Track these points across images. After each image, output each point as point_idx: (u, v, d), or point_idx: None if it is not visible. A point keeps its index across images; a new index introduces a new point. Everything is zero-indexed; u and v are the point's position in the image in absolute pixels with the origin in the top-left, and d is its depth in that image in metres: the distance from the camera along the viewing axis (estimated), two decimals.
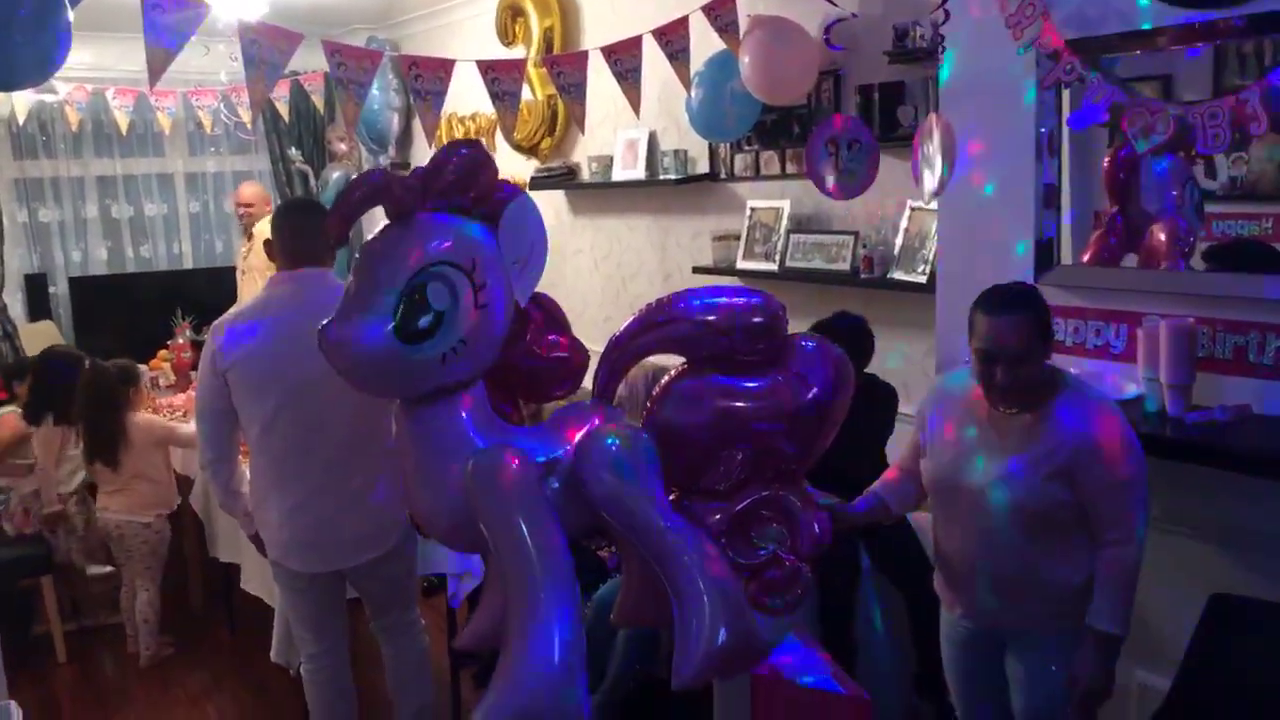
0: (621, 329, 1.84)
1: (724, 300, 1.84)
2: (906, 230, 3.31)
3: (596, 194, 4.80)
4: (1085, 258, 2.59)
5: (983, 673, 2.29)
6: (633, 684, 3.12)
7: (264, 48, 2.74)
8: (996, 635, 2.23)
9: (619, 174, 4.49)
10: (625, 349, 1.83)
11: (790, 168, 3.78)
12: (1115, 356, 2.47)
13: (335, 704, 2.81)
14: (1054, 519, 2.05)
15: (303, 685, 2.89)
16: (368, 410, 2.48)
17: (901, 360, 3.30)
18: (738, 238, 3.90)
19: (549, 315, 1.80)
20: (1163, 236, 2.51)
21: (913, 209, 3.30)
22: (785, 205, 3.75)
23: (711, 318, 1.81)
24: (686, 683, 1.76)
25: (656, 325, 1.82)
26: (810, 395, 1.88)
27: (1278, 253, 2.31)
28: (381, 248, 1.64)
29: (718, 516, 1.94)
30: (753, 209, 3.88)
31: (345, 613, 2.85)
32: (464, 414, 1.69)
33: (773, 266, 3.73)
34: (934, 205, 3.10)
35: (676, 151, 4.17)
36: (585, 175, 4.77)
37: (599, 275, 4.86)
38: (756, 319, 1.82)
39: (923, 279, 3.19)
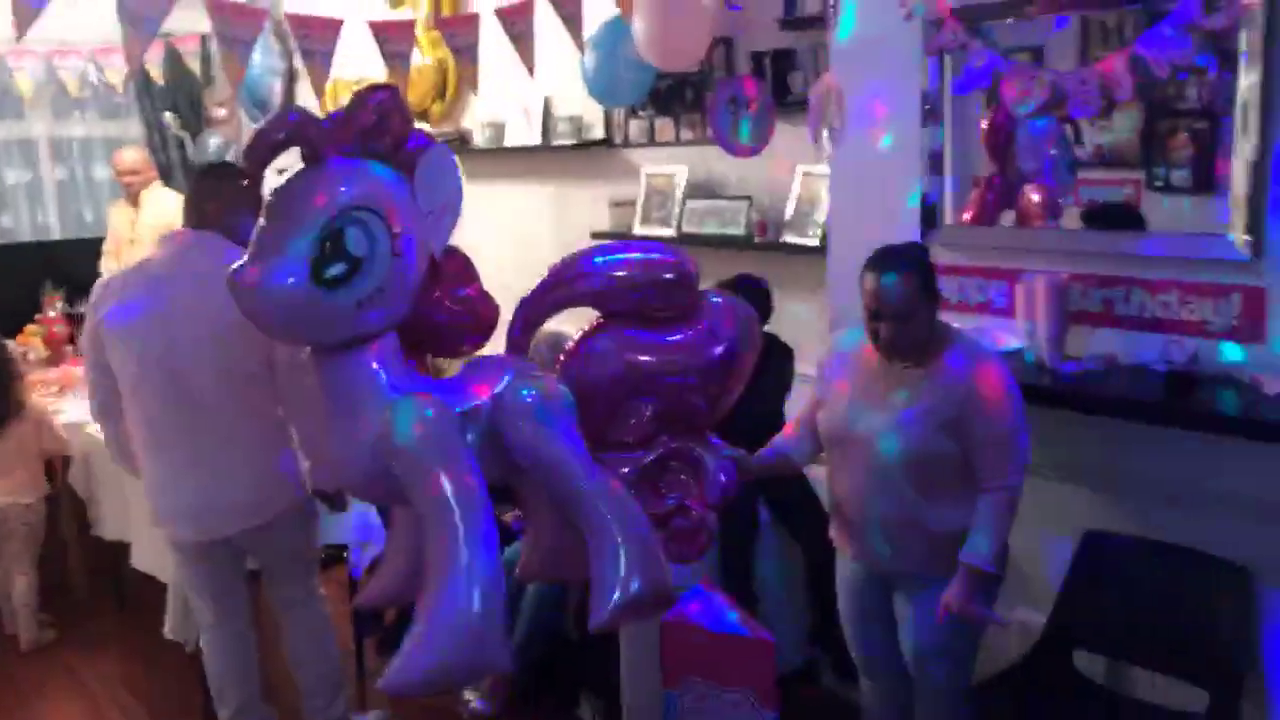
0: (535, 284, 1.85)
1: (636, 256, 1.87)
2: (798, 195, 3.40)
3: (490, 160, 4.75)
4: (966, 217, 2.72)
5: (875, 615, 2.40)
6: (541, 646, 3.15)
7: (141, 2, 2.63)
8: (887, 578, 2.34)
9: (512, 139, 4.46)
10: (539, 304, 1.85)
11: (685, 134, 3.83)
12: (996, 311, 2.61)
13: (236, 677, 2.75)
14: (940, 467, 2.15)
15: (201, 660, 2.83)
16: (242, 376, 2.45)
17: (796, 321, 3.40)
18: (634, 204, 3.93)
19: (460, 268, 1.80)
20: (1036, 197, 2.66)
21: (804, 174, 3.39)
22: (681, 171, 3.80)
23: (623, 273, 1.84)
24: (602, 627, 1.80)
25: (568, 281, 1.84)
26: (719, 350, 1.93)
27: (1141, 215, 2.47)
28: (297, 190, 1.60)
29: (626, 469, 1.98)
30: (649, 175, 3.91)
31: (244, 584, 2.80)
32: (377, 363, 1.67)
33: (670, 232, 3.78)
34: (824, 170, 3.20)
35: (571, 117, 4.17)
36: (478, 141, 4.71)
37: (496, 243, 4.81)
38: (667, 275, 1.85)
39: (815, 241, 3.29)
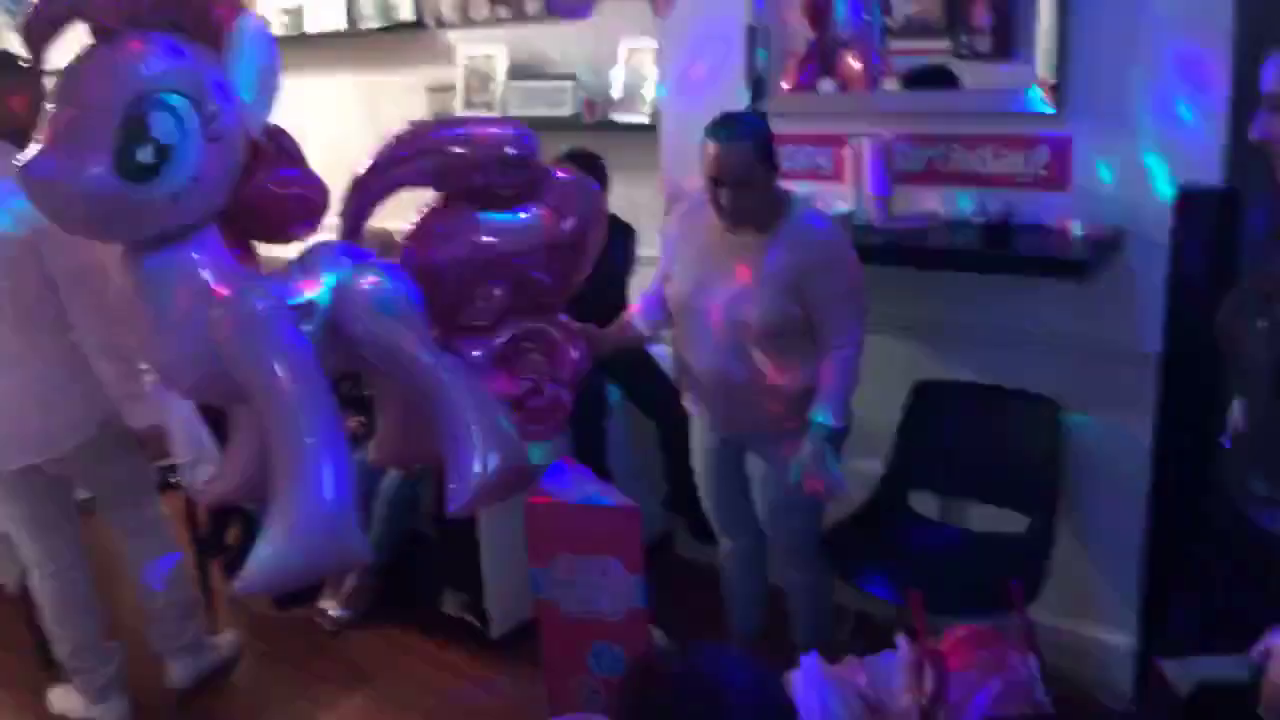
0: (369, 162, 1.75)
1: (475, 131, 1.79)
2: (625, 72, 3.34)
3: (290, 50, 4.38)
4: (786, 86, 2.76)
5: (730, 477, 2.49)
6: (397, 548, 3.12)
7: None
8: (738, 440, 2.42)
9: (313, 25, 4.16)
10: (373, 185, 1.75)
11: (501, 12, 3.67)
12: (825, 177, 2.67)
13: (71, 612, 2.59)
14: (786, 331, 2.22)
15: (29, 601, 2.65)
16: (27, 293, 2.24)
17: (632, 203, 3.38)
18: (453, 89, 3.77)
19: (283, 150, 1.68)
20: (856, 64, 2.72)
21: (630, 50, 3.33)
22: (501, 52, 3.66)
23: (461, 150, 1.76)
24: (461, 510, 1.79)
25: (403, 161, 1.75)
26: (567, 227, 1.90)
27: (956, 76, 2.57)
28: (89, 70, 1.44)
29: (479, 352, 1.95)
30: (467, 58, 3.75)
31: (72, 517, 2.61)
32: (199, 259, 1.56)
33: (495, 115, 3.65)
34: (650, 44, 3.16)
35: None
36: (275, 29, 4.36)
37: (304, 142, 4.54)
38: (510, 150, 1.79)
39: (645, 119, 3.26)
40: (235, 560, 3.42)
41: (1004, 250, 2.29)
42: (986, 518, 2.55)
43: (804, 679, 2.27)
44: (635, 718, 1.35)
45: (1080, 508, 2.49)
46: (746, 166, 2.12)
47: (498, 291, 1.90)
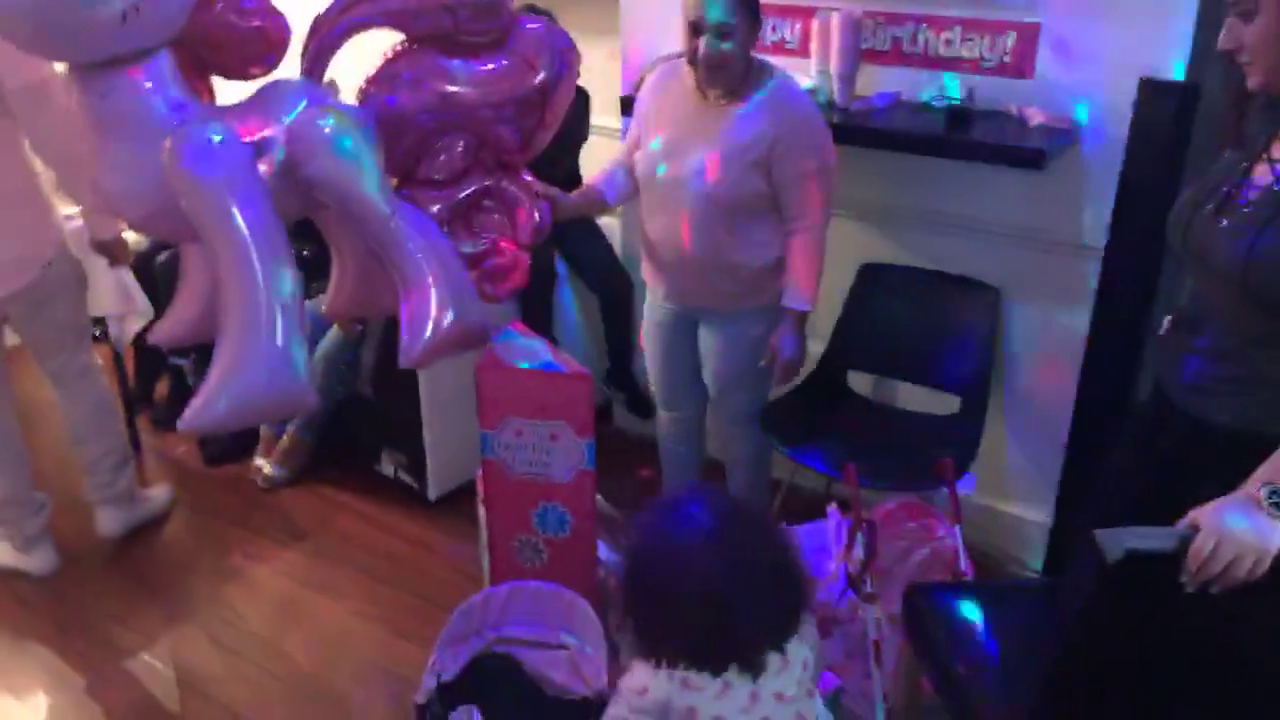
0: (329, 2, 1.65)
1: None
2: None
3: None
4: None
5: (681, 350, 2.50)
6: (335, 405, 3.09)
7: None
8: (693, 314, 2.43)
9: None
10: (333, 24, 1.66)
11: None
12: (790, 51, 2.62)
13: (2, 459, 2.52)
14: (749, 206, 2.20)
15: None
16: None
17: (585, 67, 3.28)
18: None
19: None
20: None
21: None
22: None
23: None
24: (415, 362, 1.78)
25: None
26: (536, 80, 1.83)
27: None
28: None
29: (438, 206, 1.90)
30: None
31: (2, 364, 2.52)
32: (151, 85, 1.47)
33: None
34: None
35: None
36: None
37: None
38: None
39: None
40: (164, 414, 3.35)
41: (964, 136, 2.29)
42: (916, 400, 2.64)
43: None
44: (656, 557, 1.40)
45: (1011, 393, 2.59)
46: (728, 9, 2.06)
47: (460, 144, 1.84)
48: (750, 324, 2.34)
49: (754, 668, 1.39)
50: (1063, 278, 2.42)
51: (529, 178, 2.02)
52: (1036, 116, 2.26)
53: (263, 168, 1.57)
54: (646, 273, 2.46)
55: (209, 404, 1.53)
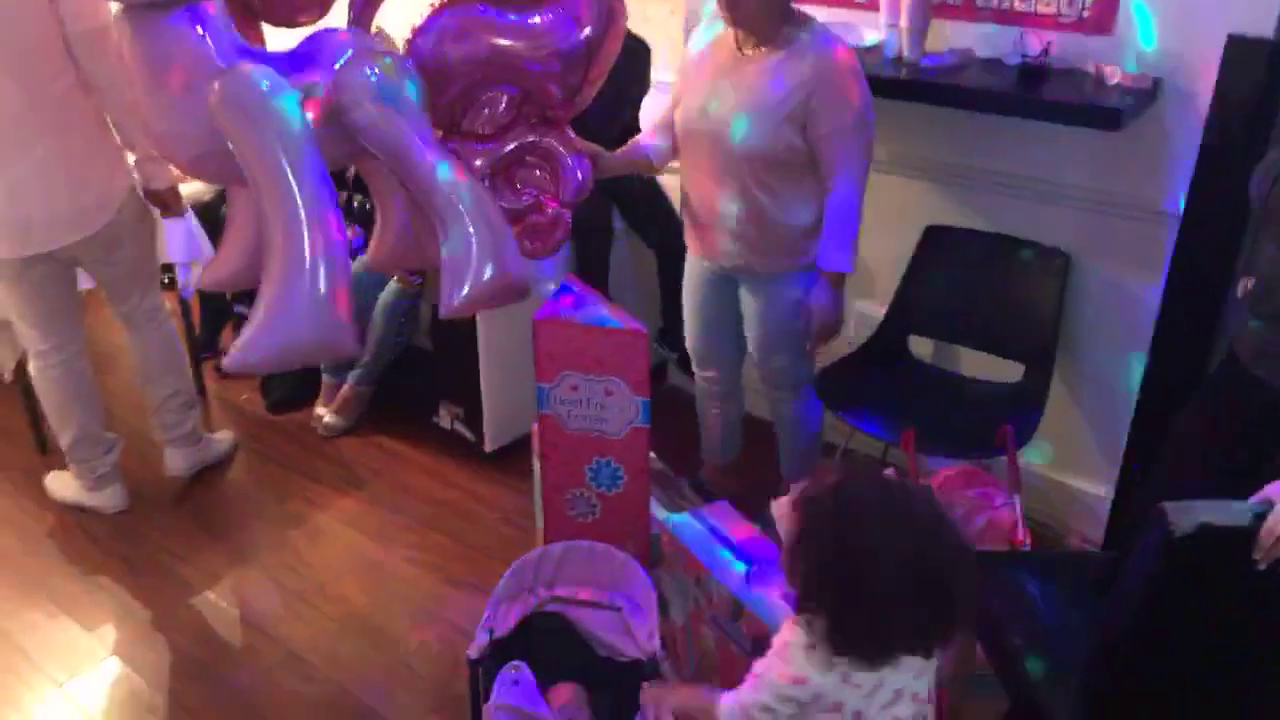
0: None
1: None
2: None
3: None
4: None
5: (718, 307, 2.47)
6: (394, 358, 3.13)
7: None
8: (733, 275, 2.39)
9: None
10: None
11: None
12: (859, 5, 2.56)
13: (74, 402, 2.61)
14: (784, 162, 2.15)
15: (31, 386, 2.65)
16: (35, 62, 2.16)
17: (644, 17, 3.24)
18: None
19: None
20: None
21: None
22: None
23: None
24: (454, 312, 1.78)
25: None
26: (581, 36, 1.81)
27: None
28: None
29: (481, 160, 1.89)
30: None
31: (78, 305, 2.60)
32: (201, 27, 1.48)
33: None
34: None
35: None
36: None
37: None
38: None
39: None
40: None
41: (1037, 94, 2.22)
42: (978, 366, 2.59)
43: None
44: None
45: (1077, 362, 2.53)
46: None
47: (505, 98, 1.82)
48: (789, 286, 2.30)
49: (929, 655, 1.32)
50: (1136, 245, 2.34)
51: (572, 134, 2.00)
52: (1115, 75, 2.18)
53: (309, 114, 1.58)
54: (687, 233, 2.43)
55: (251, 346, 1.55)
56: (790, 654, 1.33)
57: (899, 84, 2.38)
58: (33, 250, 2.35)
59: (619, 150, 2.35)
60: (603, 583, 1.97)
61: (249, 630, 2.41)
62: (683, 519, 2.12)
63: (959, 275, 2.58)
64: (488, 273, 1.74)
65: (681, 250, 3.08)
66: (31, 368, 2.59)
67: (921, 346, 2.68)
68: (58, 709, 2.20)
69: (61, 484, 2.79)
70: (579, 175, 2.03)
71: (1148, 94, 2.16)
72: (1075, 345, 2.51)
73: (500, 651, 1.81)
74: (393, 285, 3.01)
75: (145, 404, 2.79)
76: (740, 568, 1.94)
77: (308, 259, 1.53)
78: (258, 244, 1.64)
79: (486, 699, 1.75)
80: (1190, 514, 1.34)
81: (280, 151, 1.51)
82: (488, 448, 2.98)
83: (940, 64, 2.39)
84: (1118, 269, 2.40)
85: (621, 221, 3.11)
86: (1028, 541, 2.17)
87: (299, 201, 1.52)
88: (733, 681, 1.41)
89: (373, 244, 2.05)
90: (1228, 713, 1.51)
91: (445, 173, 1.71)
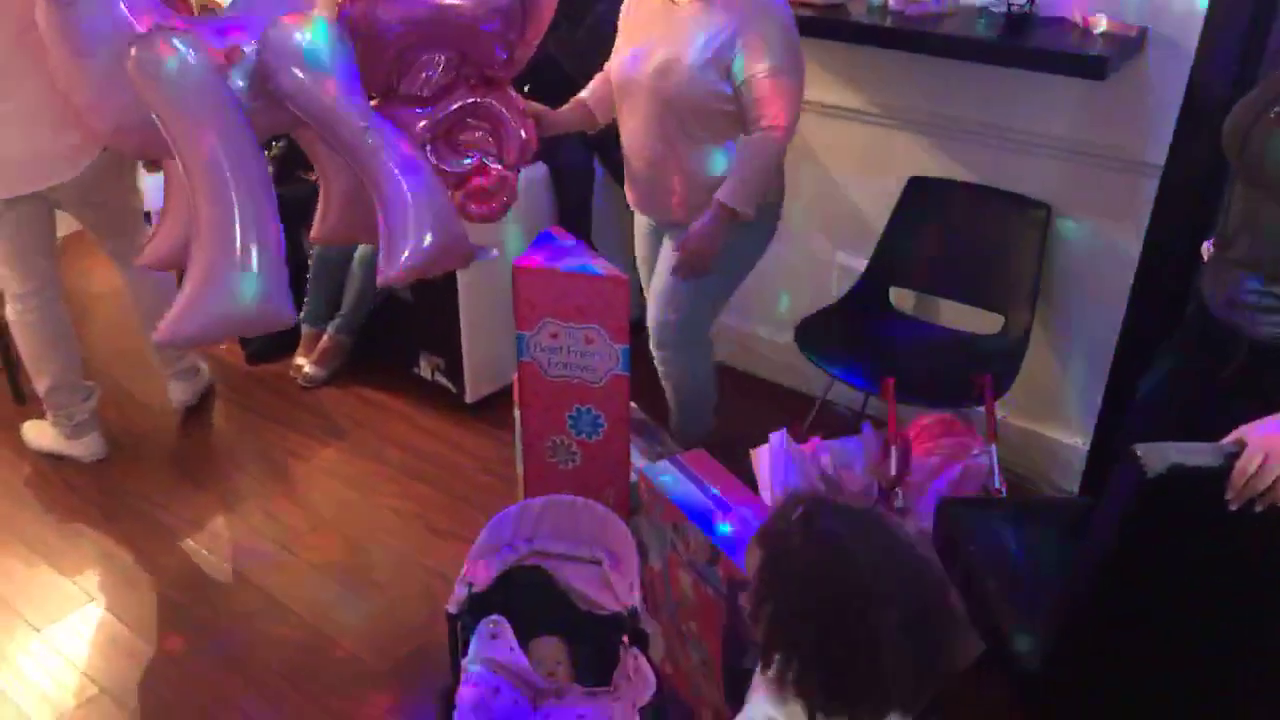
0: None
1: None
2: None
3: None
4: None
5: (651, 262, 2.47)
6: (372, 309, 3.11)
7: None
8: (660, 227, 2.38)
9: None
10: None
11: None
12: None
13: (52, 347, 2.59)
14: (707, 109, 2.12)
15: (6, 336, 2.63)
16: (19, 11, 2.08)
17: None
18: None
19: None
20: None
21: None
22: None
23: None
24: (393, 280, 1.78)
25: None
26: None
27: None
28: None
29: (422, 124, 1.86)
30: None
31: (54, 248, 2.57)
32: None
33: None
34: None
35: None
36: None
37: None
38: None
39: None
40: None
41: (1021, 42, 2.20)
42: (958, 318, 2.59)
43: (770, 455, 2.36)
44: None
45: (1056, 314, 2.54)
46: None
47: (442, 59, 1.78)
48: None
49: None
50: (1118, 196, 2.34)
51: (514, 94, 1.98)
52: (1101, 23, 2.17)
53: (238, 80, 1.54)
54: (625, 179, 2.40)
55: (182, 319, 1.53)
56: (757, 699, 1.19)
57: (883, 32, 2.36)
58: (15, 191, 2.32)
59: (563, 108, 2.33)
60: (583, 536, 1.98)
61: (230, 577, 2.41)
62: (661, 467, 2.12)
63: (940, 227, 2.58)
64: (426, 240, 1.72)
65: None
66: (9, 311, 2.56)
67: (902, 298, 2.69)
68: (37, 654, 2.21)
69: (39, 432, 2.77)
70: (522, 136, 2.00)
71: (1134, 43, 2.15)
72: (1055, 296, 2.52)
73: (479, 606, 1.81)
74: None
75: (145, 342, 2.75)
76: (717, 515, 1.94)
77: (238, 230, 1.51)
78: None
79: (465, 653, 1.76)
80: (1162, 455, 1.35)
81: (201, 120, 1.47)
82: (468, 399, 2.97)
83: (924, 11, 2.36)
84: (1099, 221, 2.40)
85: (603, 170, 3.08)
86: (1004, 491, 2.19)
87: (225, 171, 1.49)
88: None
89: (316, 217, 2.02)
90: (1198, 652, 1.54)
91: (379, 140, 1.67)
